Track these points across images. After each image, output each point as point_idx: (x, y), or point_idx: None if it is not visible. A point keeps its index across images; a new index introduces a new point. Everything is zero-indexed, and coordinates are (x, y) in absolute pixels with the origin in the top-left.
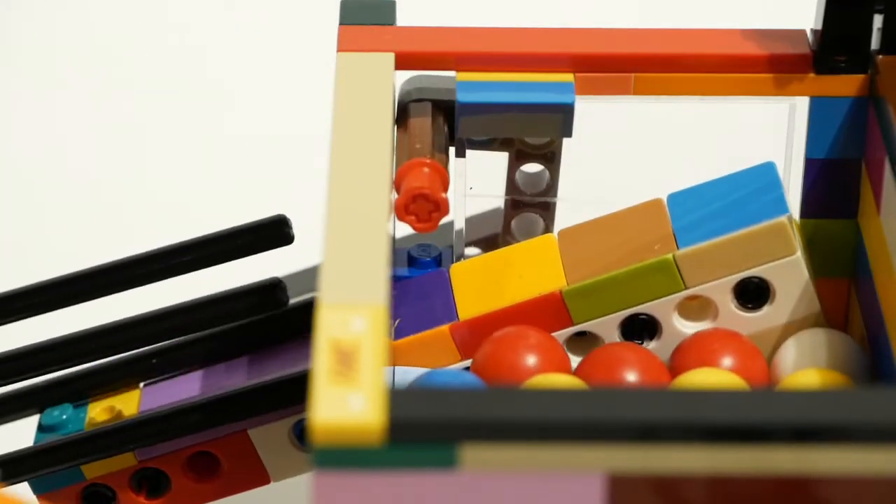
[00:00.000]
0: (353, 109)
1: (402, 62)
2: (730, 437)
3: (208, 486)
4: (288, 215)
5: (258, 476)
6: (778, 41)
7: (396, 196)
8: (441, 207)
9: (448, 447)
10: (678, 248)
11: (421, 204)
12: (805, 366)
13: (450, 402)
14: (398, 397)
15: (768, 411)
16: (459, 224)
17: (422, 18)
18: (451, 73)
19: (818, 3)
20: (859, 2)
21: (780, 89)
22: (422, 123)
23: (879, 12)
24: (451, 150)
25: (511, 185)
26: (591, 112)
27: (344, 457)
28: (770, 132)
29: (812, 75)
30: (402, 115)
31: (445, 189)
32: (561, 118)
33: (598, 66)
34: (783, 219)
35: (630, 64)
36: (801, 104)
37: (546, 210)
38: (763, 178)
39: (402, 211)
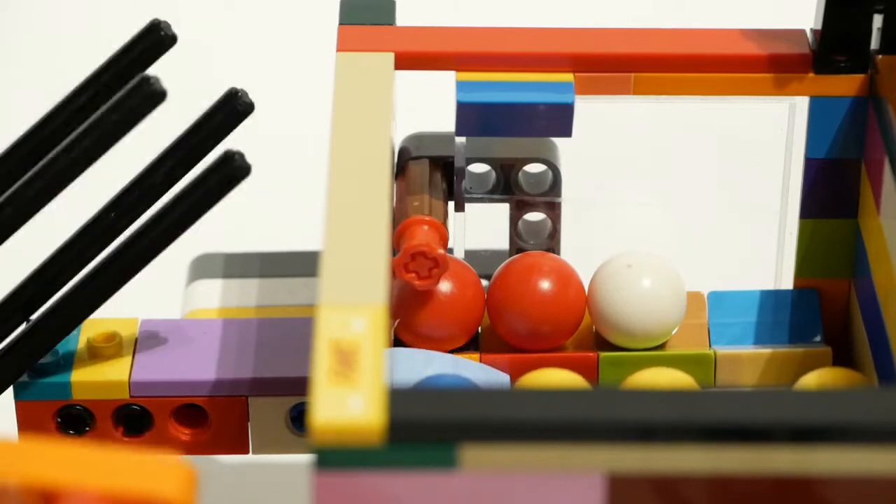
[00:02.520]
0: (353, 109)
1: (402, 62)
2: (730, 437)
3: (188, 438)
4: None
5: (239, 444)
6: (778, 41)
7: (396, 254)
8: (440, 264)
9: (448, 447)
10: (710, 343)
11: (420, 262)
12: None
13: (450, 402)
14: (398, 397)
15: (768, 411)
16: (460, 229)
17: (422, 18)
18: (449, 131)
19: (818, 3)
20: (859, 2)
21: (780, 89)
22: (420, 181)
23: (879, 12)
24: (451, 204)
25: (515, 234)
26: (591, 112)
27: (344, 457)
28: (770, 132)
29: (812, 75)
30: (401, 172)
31: (444, 245)
32: (561, 118)
33: (597, 66)
34: (828, 349)
35: (630, 64)
36: (801, 104)
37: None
38: (804, 300)
39: (402, 269)
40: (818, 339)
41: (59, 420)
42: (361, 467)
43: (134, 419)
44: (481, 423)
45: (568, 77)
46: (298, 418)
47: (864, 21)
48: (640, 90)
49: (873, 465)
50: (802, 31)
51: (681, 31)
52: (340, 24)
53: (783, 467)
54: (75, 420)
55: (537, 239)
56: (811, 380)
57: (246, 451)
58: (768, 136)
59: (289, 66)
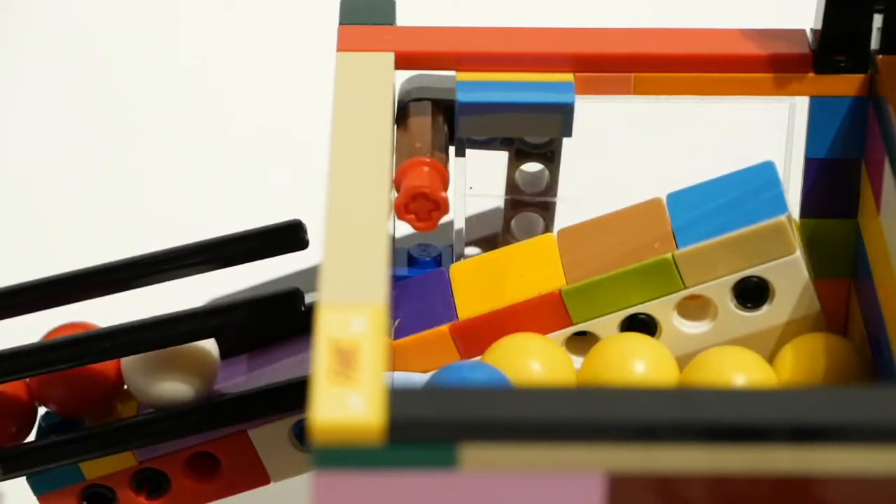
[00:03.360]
0: (353, 109)
1: (402, 62)
2: (730, 437)
3: (208, 486)
4: (288, 215)
5: (258, 476)
6: (778, 41)
7: (396, 195)
8: (441, 206)
9: (448, 447)
10: (677, 247)
11: (421, 203)
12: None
13: (450, 402)
14: (398, 397)
15: (768, 411)
16: (459, 224)
17: (422, 18)
18: (451, 73)
19: (818, 3)
20: (859, 2)
21: (780, 89)
22: (421, 123)
23: (879, 12)
24: (451, 149)
25: (511, 184)
26: (591, 112)
27: (344, 457)
28: (770, 132)
29: (812, 75)
30: (402, 115)
31: (445, 188)
32: (561, 118)
33: (597, 66)
34: (782, 218)
35: (630, 64)
36: (801, 104)
37: (546, 210)
38: (762, 176)
39: (402, 210)
40: (784, 213)
41: (85, 503)
42: (361, 467)
43: (152, 481)
44: (481, 423)
45: (568, 77)
46: (302, 434)
47: (864, 21)
48: (640, 90)
49: (873, 465)
50: (802, 31)
51: (681, 31)
52: (340, 24)
53: (783, 467)
54: (100, 499)
55: (534, 189)
56: (794, 348)
57: (267, 481)
58: (768, 136)
59: (289, 66)
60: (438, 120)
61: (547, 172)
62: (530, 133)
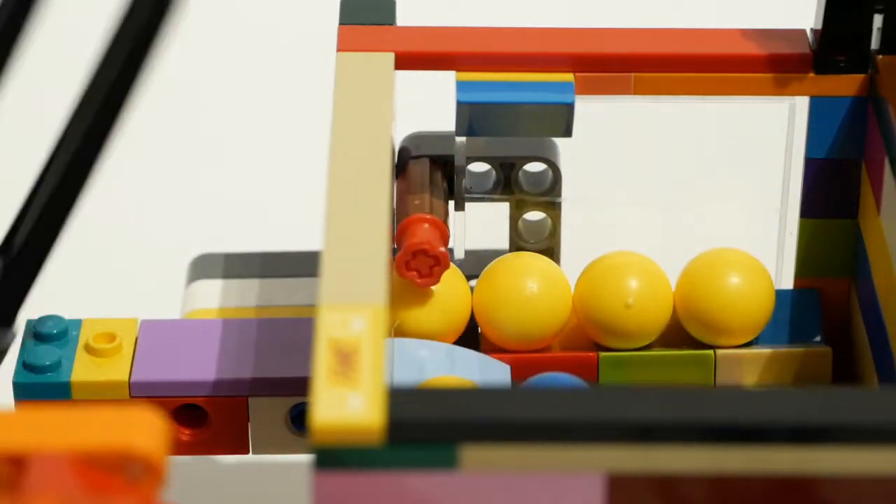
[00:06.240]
0: (353, 109)
1: (402, 62)
2: (730, 437)
3: (189, 439)
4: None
5: (239, 444)
6: (778, 41)
7: (397, 252)
8: (441, 262)
9: (448, 447)
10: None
11: (422, 260)
12: None
13: (450, 402)
14: (398, 397)
15: (768, 411)
16: (460, 228)
17: (422, 18)
18: (450, 131)
19: (818, 3)
20: (859, 2)
21: (780, 89)
22: (420, 179)
23: (879, 12)
24: (451, 204)
25: (515, 234)
26: (591, 112)
27: (344, 457)
28: (770, 132)
29: (812, 75)
30: (401, 171)
31: (445, 244)
32: (561, 118)
33: (598, 66)
34: (827, 349)
35: (630, 64)
36: (801, 104)
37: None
38: (805, 300)
39: (403, 267)
40: (818, 339)
41: None
42: (361, 467)
43: None
44: (481, 423)
45: (568, 77)
46: (298, 418)
47: (864, 21)
48: (640, 90)
49: (873, 465)
50: (802, 31)
51: (681, 31)
52: (340, 24)
53: (783, 467)
54: None
55: (537, 238)
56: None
57: (246, 451)
58: (768, 136)
59: (289, 66)
60: (437, 176)
61: (549, 221)
62: (530, 133)
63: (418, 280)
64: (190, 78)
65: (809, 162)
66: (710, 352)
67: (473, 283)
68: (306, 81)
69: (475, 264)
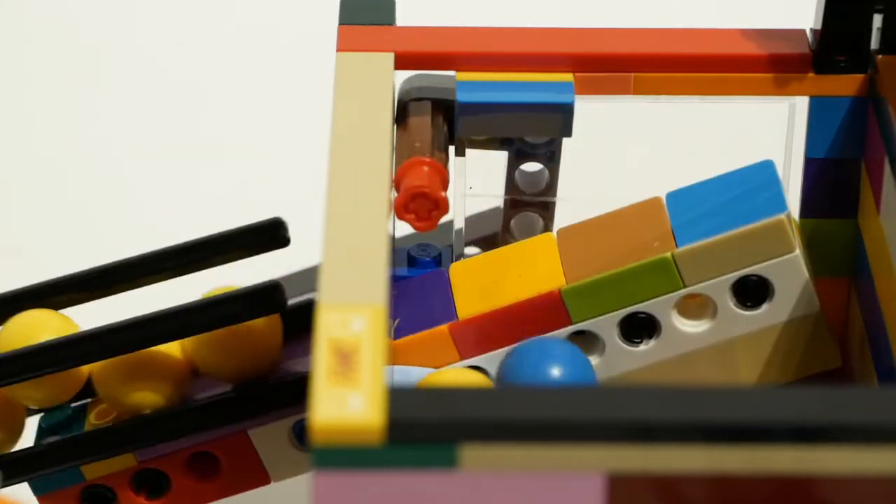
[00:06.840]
0: (353, 109)
1: (402, 62)
2: (730, 437)
3: (208, 486)
4: (287, 216)
5: (258, 476)
6: (778, 41)
7: (396, 194)
8: (440, 206)
9: (448, 447)
10: (677, 246)
11: (420, 202)
12: None
13: (450, 402)
14: (398, 397)
15: (768, 411)
16: (459, 224)
17: (422, 18)
18: (451, 73)
19: (818, 3)
20: (859, 2)
21: (780, 89)
22: (421, 122)
23: (879, 12)
24: (451, 148)
25: (511, 184)
26: (591, 112)
27: (344, 457)
28: (770, 132)
29: (812, 75)
30: (402, 114)
31: (445, 188)
32: (561, 118)
33: (597, 66)
34: (782, 216)
35: (630, 64)
36: (801, 104)
37: (546, 210)
38: (761, 175)
39: (402, 209)
40: (783, 212)
41: (85, 503)
42: (361, 467)
43: (152, 481)
44: (481, 423)
45: (568, 77)
46: (301, 434)
47: (864, 21)
48: (640, 90)
49: (873, 465)
50: (802, 31)
51: (681, 31)
52: (340, 24)
53: (783, 467)
54: (100, 499)
55: (534, 188)
56: None
57: (268, 481)
58: (768, 136)
59: (289, 66)
60: (438, 119)
61: (547, 172)
62: (530, 133)
63: (416, 223)
64: (190, 78)
65: (809, 162)
66: (668, 255)
67: (470, 250)
68: (306, 81)
69: (474, 226)
